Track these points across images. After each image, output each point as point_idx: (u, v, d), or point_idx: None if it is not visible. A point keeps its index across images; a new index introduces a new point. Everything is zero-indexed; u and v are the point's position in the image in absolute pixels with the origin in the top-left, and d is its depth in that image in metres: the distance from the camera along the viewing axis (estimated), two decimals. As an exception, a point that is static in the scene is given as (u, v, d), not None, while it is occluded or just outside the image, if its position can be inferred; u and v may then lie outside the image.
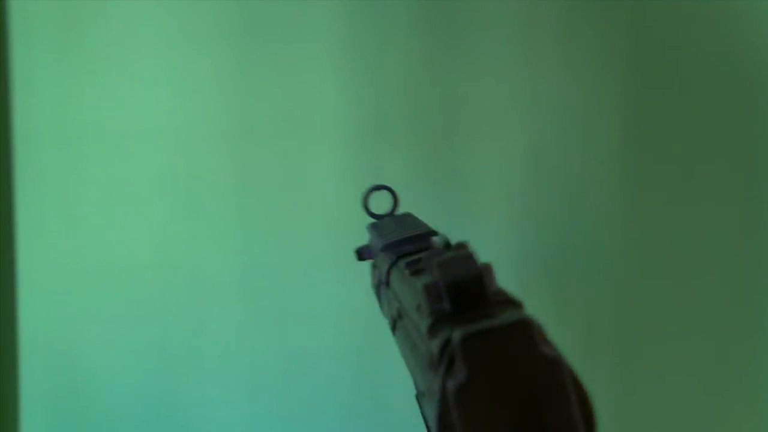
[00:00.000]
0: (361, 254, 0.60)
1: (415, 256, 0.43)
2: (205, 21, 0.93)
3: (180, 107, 0.94)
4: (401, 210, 0.63)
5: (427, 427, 0.32)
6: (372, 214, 0.61)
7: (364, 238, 0.94)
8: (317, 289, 0.94)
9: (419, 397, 0.37)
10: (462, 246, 0.30)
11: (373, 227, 0.59)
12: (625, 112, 0.95)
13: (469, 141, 0.95)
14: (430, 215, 0.94)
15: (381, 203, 0.62)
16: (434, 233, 0.48)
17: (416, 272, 0.39)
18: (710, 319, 0.95)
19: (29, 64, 0.93)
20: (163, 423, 0.93)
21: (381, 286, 0.51)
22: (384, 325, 0.89)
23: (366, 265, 0.94)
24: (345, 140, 0.94)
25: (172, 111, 0.94)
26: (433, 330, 0.28)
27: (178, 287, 0.94)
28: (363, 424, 0.94)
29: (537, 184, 0.95)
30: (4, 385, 0.93)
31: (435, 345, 0.27)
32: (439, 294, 0.28)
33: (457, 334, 0.24)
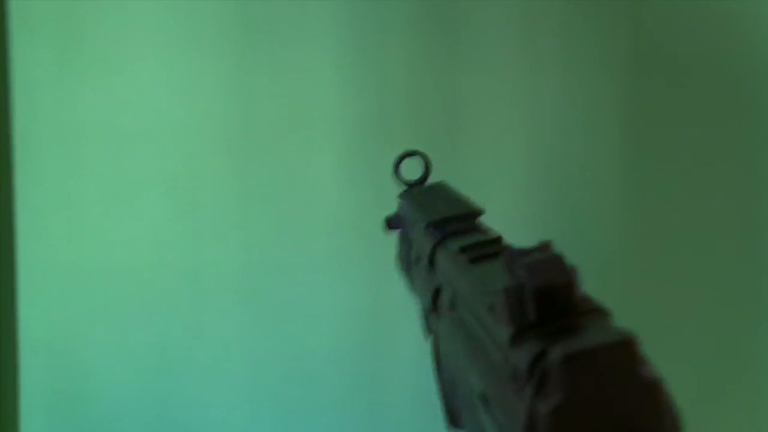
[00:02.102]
0: (391, 224, 0.57)
1: (468, 238, 0.41)
2: (205, 21, 0.93)
3: (180, 107, 0.94)
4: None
5: (479, 428, 0.31)
6: (404, 182, 0.58)
7: (364, 239, 0.94)
8: (317, 289, 0.94)
9: (469, 397, 0.34)
10: (547, 246, 0.27)
11: (406, 196, 0.56)
12: (625, 112, 0.95)
13: (470, 140, 0.95)
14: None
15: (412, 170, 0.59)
16: (480, 212, 0.46)
17: (474, 260, 0.37)
18: (710, 319, 0.95)
19: (29, 64, 0.93)
20: (163, 423, 0.93)
21: (416, 263, 0.49)
22: (383, 324, 0.89)
23: (366, 267, 0.94)
24: (345, 140, 0.94)
25: (172, 111, 0.94)
26: (517, 339, 0.26)
27: (178, 287, 0.94)
28: (363, 424, 0.94)
29: (537, 184, 0.95)
30: (4, 385, 0.93)
31: (521, 358, 0.25)
32: (521, 299, 0.26)
33: (555, 354, 0.23)
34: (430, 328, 0.47)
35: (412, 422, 0.92)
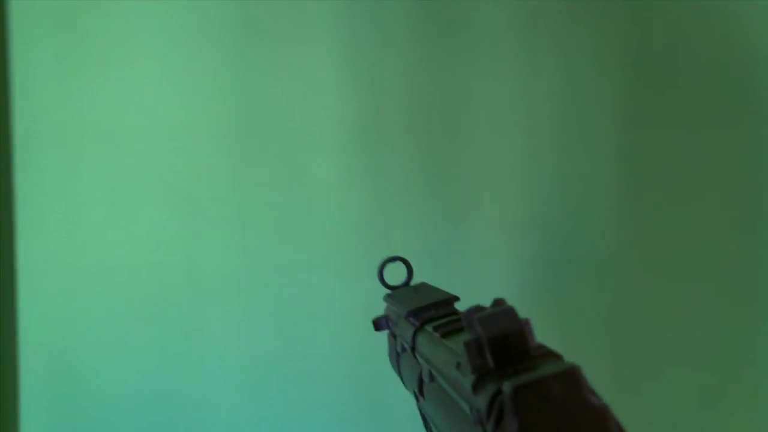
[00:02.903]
0: (379, 325, 0.60)
1: (443, 320, 0.44)
2: (205, 21, 0.93)
3: (180, 107, 0.94)
4: (417, 280, 0.63)
5: None
6: (388, 286, 0.61)
7: (363, 239, 0.94)
8: (317, 290, 0.94)
9: None
10: (501, 302, 0.30)
11: (390, 298, 0.60)
12: (624, 113, 0.95)
13: (469, 141, 0.95)
14: (428, 216, 0.94)
15: (396, 274, 0.63)
16: (456, 299, 0.49)
17: (446, 334, 0.40)
18: (709, 319, 0.95)
19: (29, 64, 0.93)
20: (163, 423, 0.93)
21: (402, 353, 0.52)
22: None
23: (366, 266, 0.94)
24: (345, 140, 0.94)
25: (172, 111, 0.94)
26: (478, 386, 0.28)
27: (178, 287, 0.94)
28: (362, 424, 0.94)
29: (536, 185, 0.95)
30: (4, 385, 0.93)
31: (482, 400, 0.27)
32: (481, 350, 0.28)
33: (507, 387, 0.25)
34: (423, 415, 0.49)
35: (413, 422, 0.92)
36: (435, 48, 0.94)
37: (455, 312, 0.47)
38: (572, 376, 0.25)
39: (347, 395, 0.94)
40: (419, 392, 0.45)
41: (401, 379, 0.55)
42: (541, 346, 0.29)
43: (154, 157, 0.94)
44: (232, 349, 0.94)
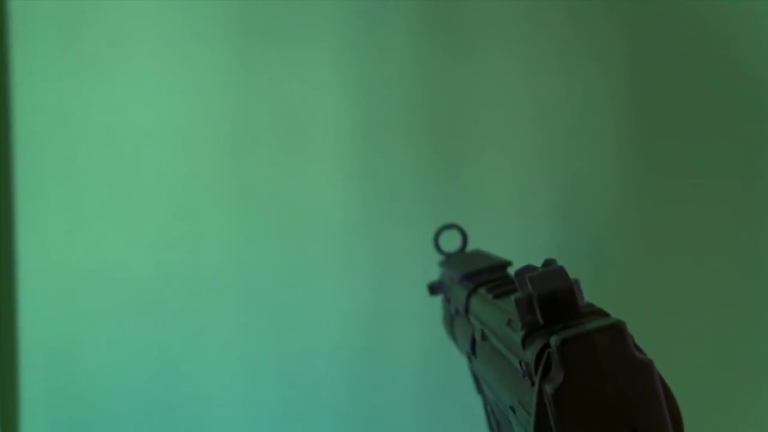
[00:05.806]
0: (434, 289, 0.62)
1: (495, 283, 0.45)
2: (206, 21, 0.93)
3: (181, 107, 0.94)
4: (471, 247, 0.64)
5: None
6: (443, 252, 0.63)
7: (364, 239, 0.94)
8: (318, 290, 0.94)
9: (500, 410, 0.38)
10: (551, 262, 0.31)
11: (445, 263, 0.61)
12: (627, 112, 0.96)
13: (471, 142, 0.95)
14: (431, 215, 0.94)
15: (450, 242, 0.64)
16: (509, 263, 0.50)
17: (498, 295, 0.41)
18: (710, 319, 0.95)
19: (29, 64, 0.93)
20: (163, 423, 0.93)
21: (456, 316, 0.53)
22: (385, 325, 0.89)
23: (368, 266, 0.95)
24: (346, 140, 0.94)
25: (172, 111, 0.94)
26: (527, 340, 0.29)
27: (178, 287, 0.94)
28: (363, 424, 0.94)
29: (539, 185, 0.95)
30: (4, 385, 0.93)
31: (530, 354, 0.28)
32: (532, 307, 0.29)
33: (555, 340, 0.26)
34: (474, 375, 0.50)
35: (414, 422, 0.92)
36: (437, 48, 0.95)
37: (508, 275, 0.48)
38: (618, 331, 0.26)
39: (348, 395, 0.94)
40: (472, 352, 0.46)
41: (455, 341, 0.56)
42: (590, 305, 0.30)
43: (155, 157, 0.94)
44: (232, 349, 0.94)
